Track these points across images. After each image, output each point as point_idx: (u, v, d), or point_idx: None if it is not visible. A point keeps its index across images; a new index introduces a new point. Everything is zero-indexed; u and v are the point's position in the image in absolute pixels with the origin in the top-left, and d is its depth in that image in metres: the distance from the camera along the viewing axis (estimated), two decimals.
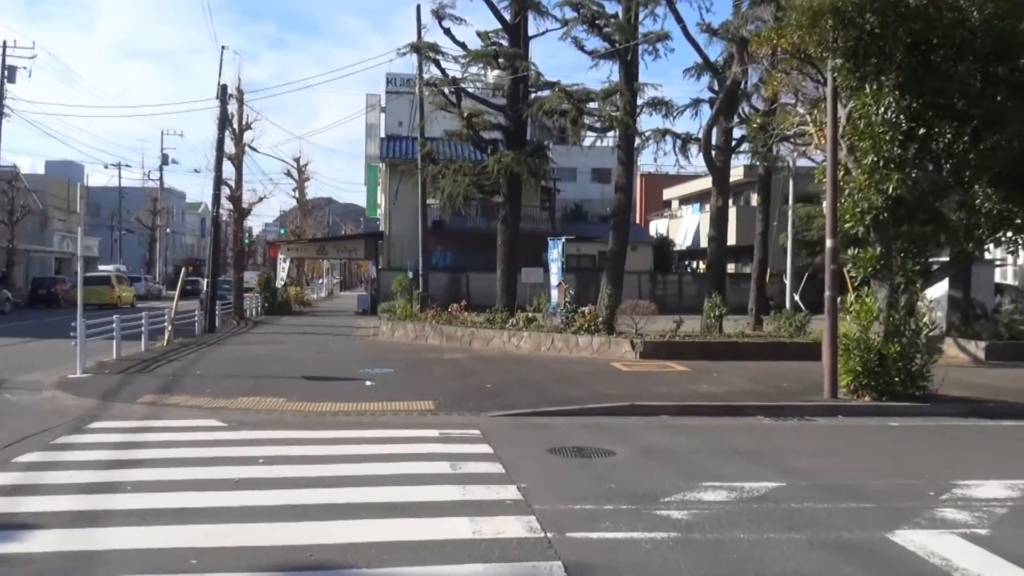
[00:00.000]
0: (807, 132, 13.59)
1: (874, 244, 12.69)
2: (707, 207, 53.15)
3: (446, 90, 22.14)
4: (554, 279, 21.72)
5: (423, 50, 22.31)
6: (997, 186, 12.54)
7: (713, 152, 20.59)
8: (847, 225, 12.55)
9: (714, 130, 20.19)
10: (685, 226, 51.49)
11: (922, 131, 11.55)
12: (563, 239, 21.40)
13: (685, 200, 55.67)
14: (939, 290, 23.36)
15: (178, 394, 12.33)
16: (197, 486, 7.03)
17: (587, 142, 25.50)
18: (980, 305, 20.95)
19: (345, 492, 6.84)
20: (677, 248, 50.75)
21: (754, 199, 45.58)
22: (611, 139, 23.35)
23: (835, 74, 12.02)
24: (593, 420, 10.88)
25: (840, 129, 12.28)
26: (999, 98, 11.56)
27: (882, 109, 11.51)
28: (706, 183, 52.23)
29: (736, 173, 45.87)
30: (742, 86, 20.61)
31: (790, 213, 38.87)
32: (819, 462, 8.55)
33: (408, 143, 40.17)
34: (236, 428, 9.95)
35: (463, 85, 22.62)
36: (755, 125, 18.44)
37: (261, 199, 62.66)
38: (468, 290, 37.06)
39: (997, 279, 25.25)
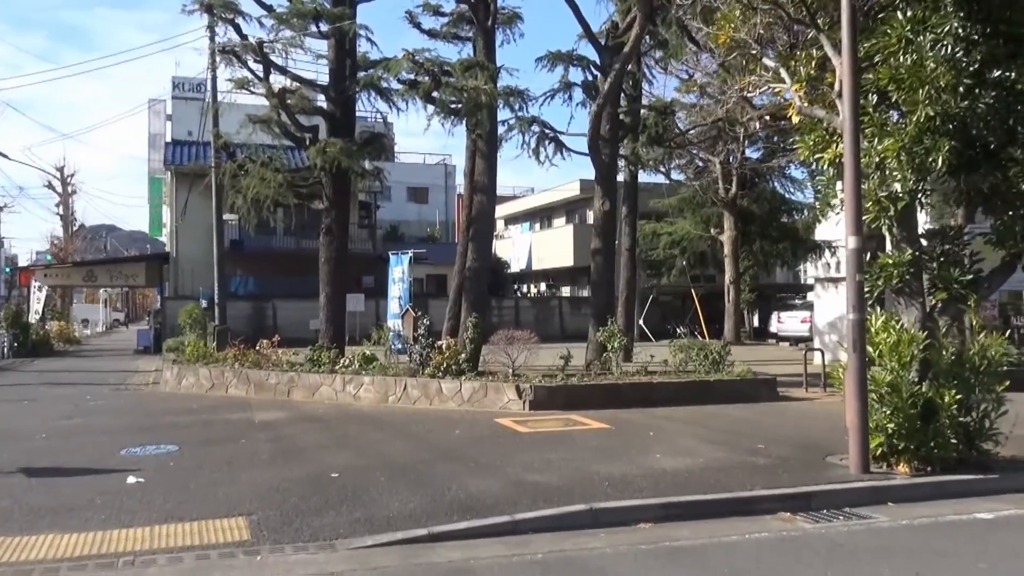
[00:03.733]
0: (777, 92, 9.71)
1: (901, 245, 8.92)
2: (537, 227, 50.02)
3: (249, 60, 16.82)
4: (397, 305, 16.85)
5: (216, 8, 16.87)
6: None
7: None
8: (868, 219, 8.70)
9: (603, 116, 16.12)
10: (516, 248, 47.83)
11: (996, 73, 7.86)
12: (410, 253, 16.61)
13: (513, 219, 52.14)
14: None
15: None
16: None
17: (428, 134, 20.83)
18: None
19: None
20: (510, 271, 46.95)
21: (592, 216, 42.54)
22: (452, 132, 18.84)
23: None
24: (540, 548, 6.20)
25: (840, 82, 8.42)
26: None
27: (939, 42, 7.73)
28: (537, 201, 48.93)
29: (571, 189, 42.83)
30: (638, 63, 16.86)
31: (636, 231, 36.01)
32: None
33: (199, 149, 33.90)
34: None
35: (273, 57, 17.38)
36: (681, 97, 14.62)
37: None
38: (276, 321, 31.35)
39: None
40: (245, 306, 31.38)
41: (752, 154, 32.71)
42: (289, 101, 17.87)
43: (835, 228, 35.21)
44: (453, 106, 15.68)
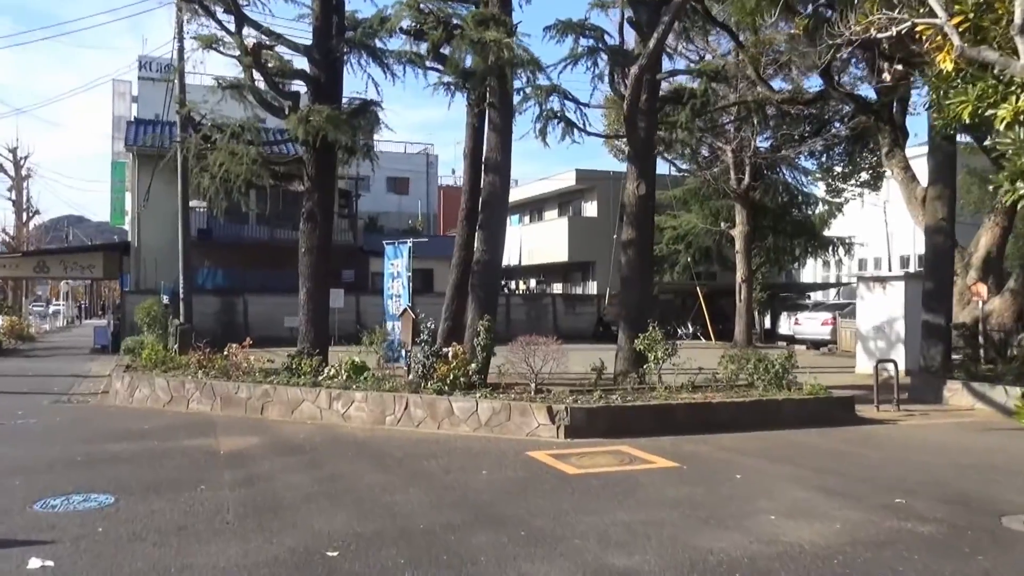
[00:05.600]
0: (921, 30, 7.27)
1: None
2: (527, 220, 47.37)
3: (218, 10, 14.14)
4: (395, 303, 14.27)
5: None
6: None
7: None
8: None
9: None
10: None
11: None
12: (409, 242, 13.99)
13: None
14: (887, 309, 18.23)
15: None
16: None
17: (433, 104, 18.24)
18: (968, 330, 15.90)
19: None
20: None
21: (588, 209, 40.13)
22: (452, 104, 16.26)
23: None
24: None
25: None
26: None
27: None
28: (526, 192, 46.13)
29: (566, 179, 40.35)
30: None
31: None
32: None
33: (166, 130, 30.92)
34: None
35: (247, 11, 14.73)
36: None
37: None
38: (247, 318, 28.63)
39: None
40: (213, 301, 28.58)
41: (761, 143, 30.39)
42: (267, 63, 15.20)
43: (860, 223, 32.87)
44: (465, 68, 13.08)
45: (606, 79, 17.14)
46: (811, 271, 42.00)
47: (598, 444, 9.84)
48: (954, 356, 15.71)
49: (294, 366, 13.60)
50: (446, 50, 13.06)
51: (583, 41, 17.64)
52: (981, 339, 15.10)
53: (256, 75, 15.47)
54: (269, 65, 15.10)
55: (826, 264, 39.77)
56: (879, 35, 7.57)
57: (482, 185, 14.38)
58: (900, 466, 8.75)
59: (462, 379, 11.98)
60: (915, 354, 16.13)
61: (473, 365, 12.36)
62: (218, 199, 16.19)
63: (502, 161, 14.03)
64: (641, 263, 14.20)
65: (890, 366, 13.61)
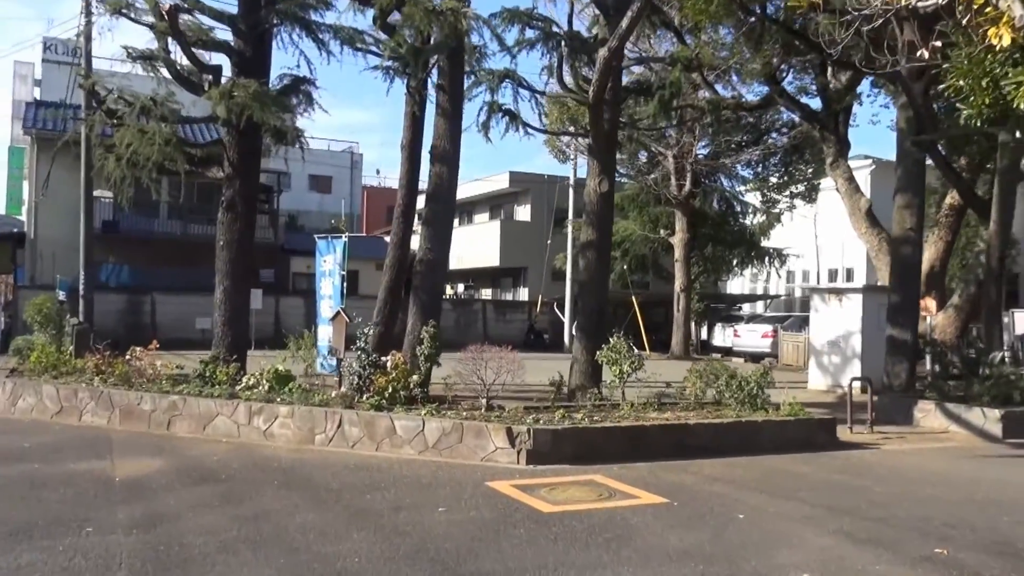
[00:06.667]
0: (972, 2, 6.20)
1: None
2: (456, 222, 45.86)
3: None
4: (328, 306, 12.73)
5: None
6: None
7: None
8: None
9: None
10: None
11: None
12: (344, 237, 12.45)
13: (420, 214, 48.02)
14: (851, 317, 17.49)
15: None
16: None
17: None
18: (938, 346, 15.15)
19: None
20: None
21: (521, 212, 38.83)
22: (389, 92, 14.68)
23: None
24: None
25: None
26: None
27: None
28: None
29: (499, 181, 39.06)
30: None
31: (569, 230, 32.55)
32: None
33: (71, 113, 28.44)
34: None
35: None
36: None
37: None
38: (155, 319, 26.51)
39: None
40: (118, 299, 26.26)
41: (700, 151, 29.71)
42: (186, 33, 13.47)
43: (790, 235, 32.36)
44: (415, 45, 11.64)
45: (555, 72, 15.99)
46: (738, 283, 41.71)
47: (566, 472, 8.53)
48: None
49: (207, 374, 11.94)
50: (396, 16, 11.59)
51: (529, 32, 16.47)
52: (954, 356, 14.36)
53: (172, 46, 13.77)
54: (188, 34, 13.39)
55: (754, 276, 39.45)
56: (920, 4, 6.50)
57: (428, 176, 12.98)
58: (914, 503, 7.69)
59: (402, 392, 10.55)
60: (873, 370, 15.32)
61: (415, 377, 10.93)
62: (124, 185, 14.34)
63: (451, 150, 12.65)
64: (601, 267, 12.99)
65: (854, 383, 12.66)
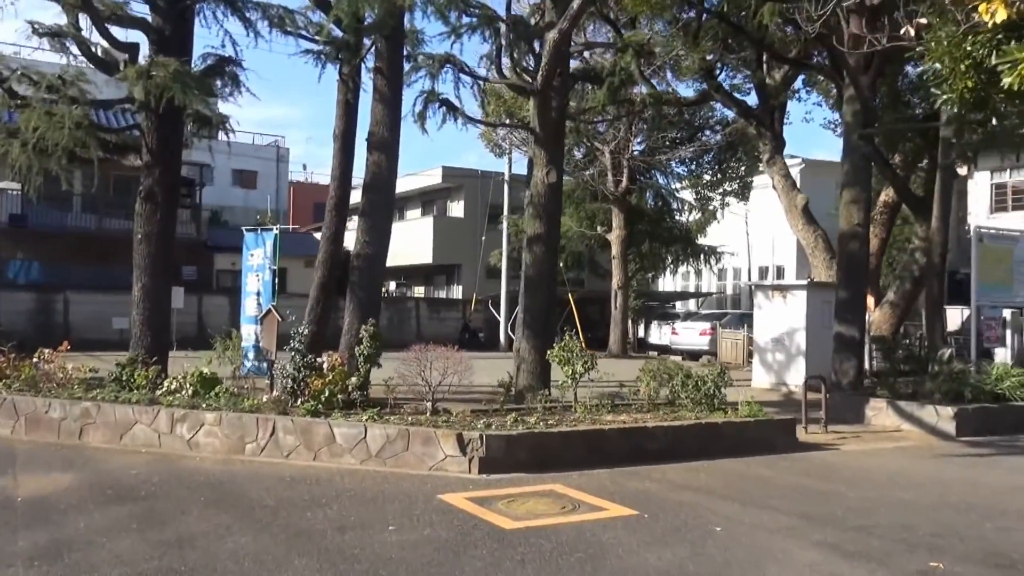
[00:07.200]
0: None
1: None
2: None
3: None
4: (254, 303, 11.85)
5: None
6: None
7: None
8: None
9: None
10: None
11: None
12: (276, 229, 11.58)
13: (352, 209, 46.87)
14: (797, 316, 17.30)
15: None
16: None
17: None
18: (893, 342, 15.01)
19: None
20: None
21: (454, 208, 38.06)
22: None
23: None
24: None
25: None
26: None
27: None
28: None
29: (431, 176, 38.23)
30: None
31: (504, 226, 31.98)
32: None
33: None
34: None
35: None
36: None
37: None
38: (68, 319, 25.01)
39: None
40: (26, 298, 24.68)
41: (636, 147, 29.49)
42: (98, 7, 12.39)
43: (722, 232, 32.46)
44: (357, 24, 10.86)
45: (495, 61, 15.36)
46: (671, 281, 41.78)
47: (523, 482, 7.91)
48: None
49: (125, 377, 10.94)
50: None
51: (465, 19, 15.81)
52: (900, 352, 14.22)
53: (84, 22, 12.68)
54: (100, 8, 12.32)
55: (686, 274, 39.52)
56: None
57: (365, 166, 12.19)
58: (891, 510, 7.29)
59: (340, 396, 9.81)
60: (817, 367, 15.13)
61: (354, 379, 10.19)
62: (33, 175, 13.16)
63: (390, 138, 11.91)
64: (549, 261, 12.41)
65: (809, 382, 12.36)
